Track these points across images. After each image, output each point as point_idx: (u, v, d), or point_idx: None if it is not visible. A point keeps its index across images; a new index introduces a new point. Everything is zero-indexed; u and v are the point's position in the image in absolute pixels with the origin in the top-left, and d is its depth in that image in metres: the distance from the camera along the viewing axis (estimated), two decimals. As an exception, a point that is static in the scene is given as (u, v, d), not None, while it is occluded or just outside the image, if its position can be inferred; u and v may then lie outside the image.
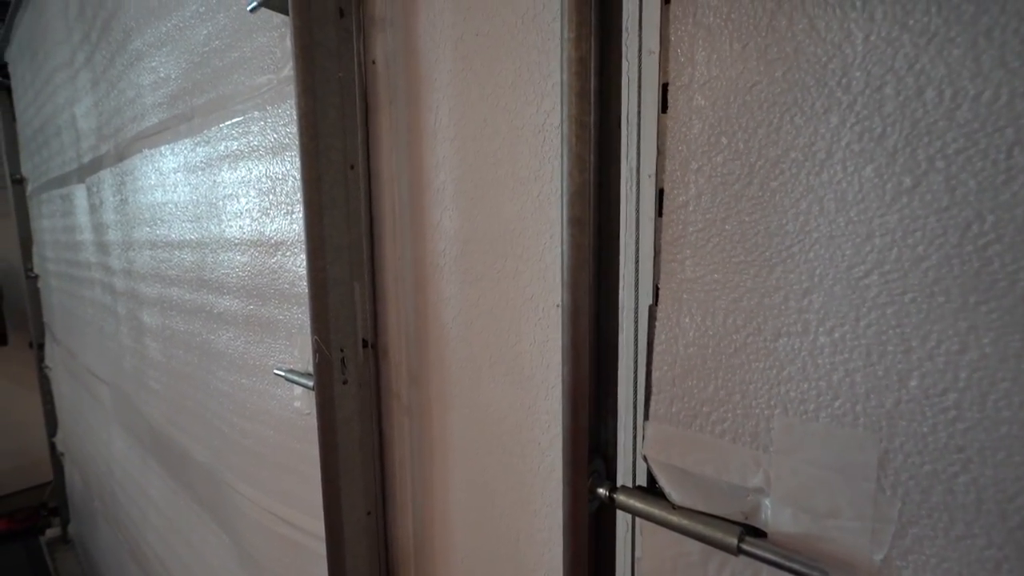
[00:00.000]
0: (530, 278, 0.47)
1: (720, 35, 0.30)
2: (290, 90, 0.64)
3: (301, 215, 0.56)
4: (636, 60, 0.34)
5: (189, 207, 0.87)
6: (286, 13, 0.56)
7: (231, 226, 0.77)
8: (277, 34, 0.67)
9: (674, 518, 0.32)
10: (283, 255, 0.69)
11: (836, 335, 0.27)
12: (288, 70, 0.66)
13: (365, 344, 0.63)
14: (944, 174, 0.24)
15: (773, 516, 0.30)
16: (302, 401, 0.71)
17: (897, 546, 0.26)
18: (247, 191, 0.73)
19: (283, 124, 0.67)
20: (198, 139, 0.82)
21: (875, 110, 0.26)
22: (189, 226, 0.88)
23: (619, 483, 0.37)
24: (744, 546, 0.29)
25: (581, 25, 0.30)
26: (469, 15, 0.49)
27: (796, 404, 0.29)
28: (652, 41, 0.33)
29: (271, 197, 0.70)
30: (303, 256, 0.65)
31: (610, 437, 0.37)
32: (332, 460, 0.59)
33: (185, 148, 0.85)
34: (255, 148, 0.71)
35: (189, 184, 0.86)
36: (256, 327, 0.76)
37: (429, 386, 0.61)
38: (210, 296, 0.85)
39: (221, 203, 0.79)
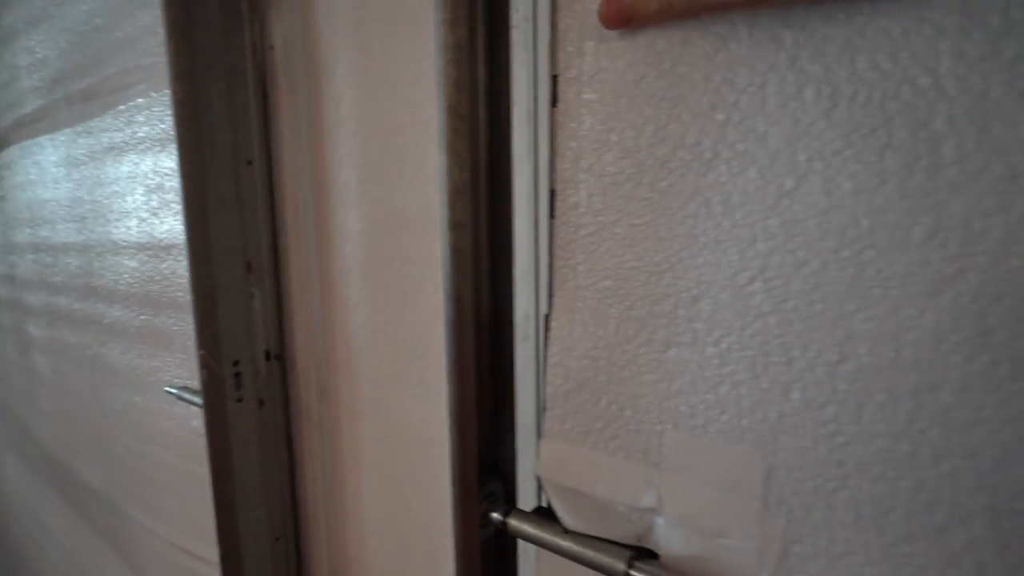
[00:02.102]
0: (435, 285, 0.44)
1: (594, 33, 0.28)
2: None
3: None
4: (531, 49, 0.32)
5: (73, 206, 0.77)
6: None
7: (118, 227, 0.69)
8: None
9: (565, 543, 0.29)
10: (175, 259, 0.63)
11: (723, 345, 0.26)
12: (176, 54, 0.59)
13: (268, 356, 0.58)
14: (822, 176, 0.23)
15: (665, 537, 0.28)
16: (200, 420, 0.65)
17: (782, 566, 0.25)
18: (134, 188, 0.66)
19: (171, 114, 0.60)
20: (80, 129, 0.73)
21: (758, 108, 0.24)
22: (74, 227, 0.78)
23: (519, 505, 0.34)
24: (633, 572, 0.27)
25: (457, 7, 0.27)
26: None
27: (686, 419, 0.27)
28: (544, 29, 0.31)
29: (159, 195, 0.63)
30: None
31: (508, 456, 0.35)
32: (227, 486, 0.53)
33: (66, 139, 0.76)
34: (141, 140, 0.64)
35: (72, 180, 0.76)
36: (149, 339, 0.69)
37: (339, 400, 0.56)
38: (100, 305, 0.76)
39: (107, 201, 0.70)
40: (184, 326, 0.64)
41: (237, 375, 0.53)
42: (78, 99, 0.72)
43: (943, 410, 0.21)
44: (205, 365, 0.51)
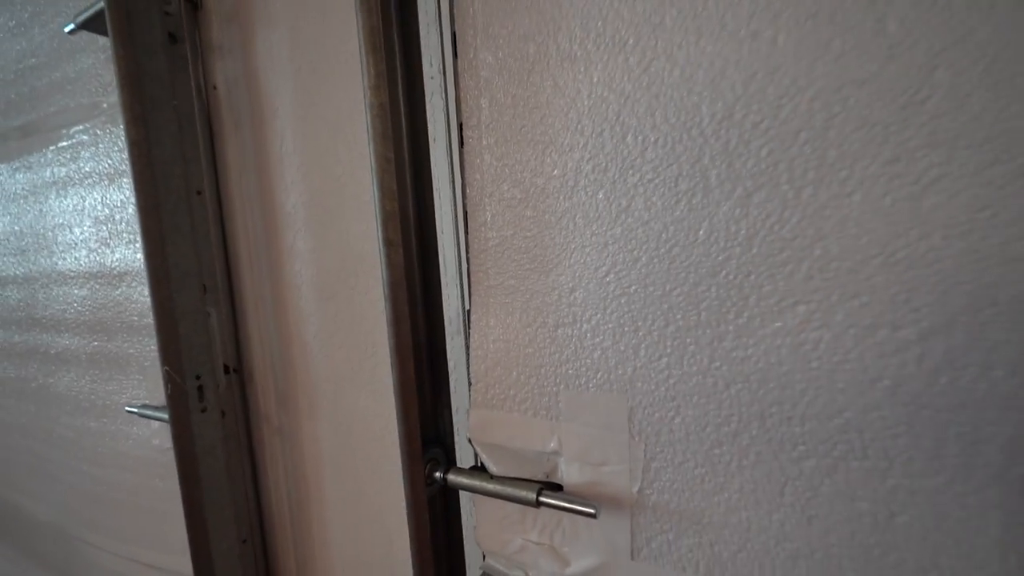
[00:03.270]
0: (378, 294, 0.51)
1: (495, 86, 0.37)
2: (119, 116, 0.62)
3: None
4: (443, 101, 0.40)
5: (11, 239, 0.78)
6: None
7: (65, 258, 0.71)
8: (104, 56, 0.64)
9: (491, 486, 0.38)
10: (128, 286, 0.66)
11: (593, 322, 0.35)
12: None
13: (228, 370, 0.63)
14: (644, 198, 0.33)
15: (565, 471, 0.37)
16: (161, 437, 0.68)
17: (645, 478, 0.35)
18: (81, 220, 0.68)
19: (118, 150, 0.64)
20: (16, 164, 0.74)
21: (599, 149, 0.34)
22: (13, 260, 0.79)
23: (458, 464, 0.42)
24: (542, 499, 0.36)
25: (378, 76, 0.36)
26: (305, 50, 0.52)
27: (573, 379, 0.37)
28: (450, 87, 0.39)
29: (110, 226, 0.66)
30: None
31: (446, 427, 0.43)
32: (195, 492, 0.58)
33: (2, 174, 0.77)
34: (88, 174, 0.67)
35: (9, 214, 0.77)
36: (103, 364, 0.71)
37: (298, 405, 0.62)
38: (45, 336, 0.77)
39: (51, 234, 0.72)
40: (140, 348, 0.67)
41: (200, 388, 0.58)
42: (14, 136, 0.74)
43: (726, 351, 0.31)
44: (169, 380, 0.55)
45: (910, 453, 0.27)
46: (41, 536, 0.89)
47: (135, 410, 0.65)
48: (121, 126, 0.63)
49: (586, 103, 0.34)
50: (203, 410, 0.59)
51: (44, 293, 0.76)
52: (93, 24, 0.58)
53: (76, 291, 0.72)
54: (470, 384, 0.41)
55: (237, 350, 0.64)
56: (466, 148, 0.39)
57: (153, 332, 0.66)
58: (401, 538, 0.54)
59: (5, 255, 0.80)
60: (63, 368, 0.76)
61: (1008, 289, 0.24)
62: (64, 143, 0.68)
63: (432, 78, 0.39)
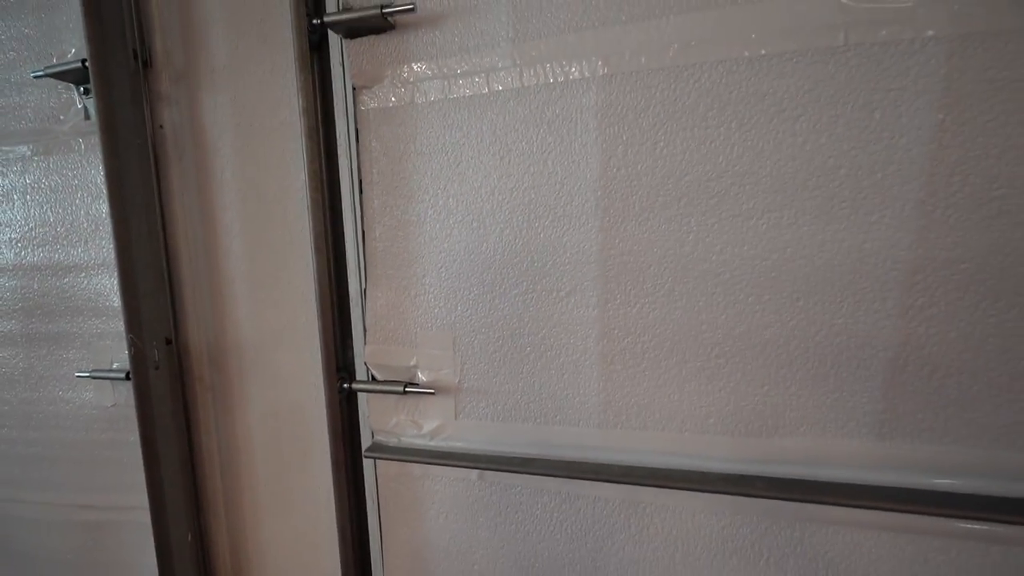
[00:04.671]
0: (298, 284, 0.77)
1: (381, 161, 0.67)
2: (72, 142, 0.80)
3: (91, 243, 0.74)
4: (349, 168, 0.69)
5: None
6: (83, 92, 0.74)
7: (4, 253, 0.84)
8: (57, 92, 0.80)
9: (377, 387, 0.68)
10: (75, 276, 0.83)
11: (434, 293, 0.67)
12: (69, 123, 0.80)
13: (168, 341, 0.83)
14: (458, 232, 0.65)
15: (420, 376, 0.69)
16: (100, 396, 0.85)
17: (461, 375, 0.67)
18: (25, 222, 0.83)
19: (69, 167, 0.80)
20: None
21: (435, 201, 0.66)
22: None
23: (357, 378, 0.71)
24: (407, 390, 0.67)
25: (312, 151, 0.64)
26: (244, 110, 0.76)
27: (423, 324, 0.68)
28: (354, 159, 0.68)
29: (50, 229, 0.82)
30: (100, 277, 0.81)
31: (351, 358, 0.72)
32: (150, 428, 0.78)
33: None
34: (29, 186, 0.82)
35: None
36: (43, 342, 0.85)
37: (228, 367, 0.84)
38: (-32, 322, 0.88)
39: (-14, 232, 0.85)
40: (84, 327, 0.84)
41: (155, 351, 0.78)
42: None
43: (499, 310, 0.65)
44: (133, 345, 0.75)
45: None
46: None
47: (86, 374, 0.82)
48: (69, 150, 0.80)
49: (428, 177, 0.66)
50: (156, 367, 0.79)
51: (-28, 284, 0.86)
52: (65, 75, 0.75)
53: (7, 282, 0.85)
54: (365, 331, 0.70)
55: (175, 326, 0.84)
56: (364, 195, 0.68)
57: (98, 313, 0.83)
58: (314, 456, 0.80)
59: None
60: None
61: (592, 274, 0.61)
62: (10, 157, 0.82)
63: (343, 155, 0.68)
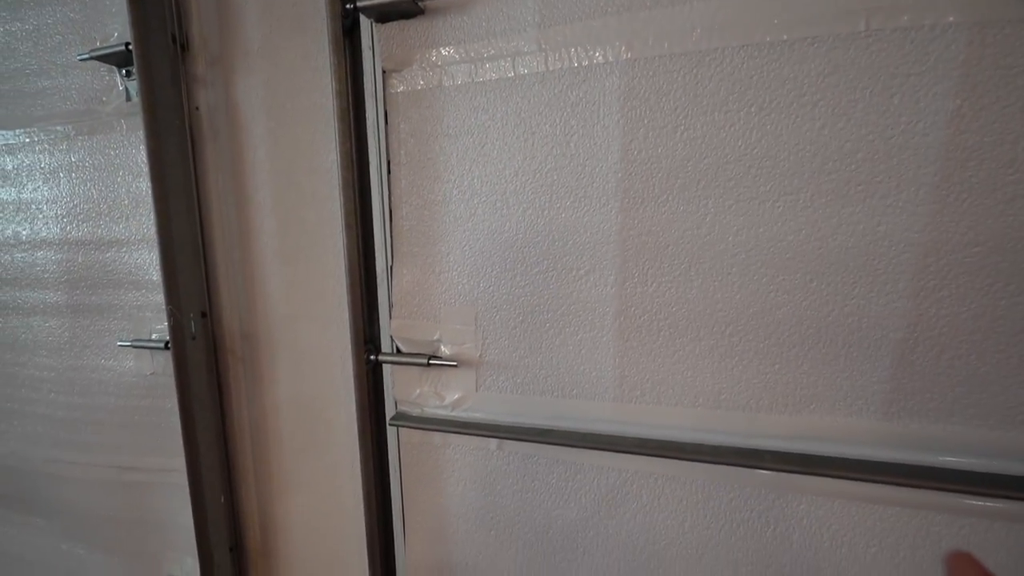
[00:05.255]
0: (328, 259, 0.81)
1: (409, 143, 0.70)
2: (114, 123, 0.84)
3: (132, 219, 0.78)
4: (377, 150, 0.72)
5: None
6: (126, 74, 0.77)
7: (43, 228, 0.89)
8: (101, 74, 0.84)
9: (402, 359, 0.71)
10: (117, 251, 0.87)
11: (458, 270, 0.70)
12: (113, 104, 0.84)
13: (203, 315, 0.87)
14: (482, 211, 0.68)
15: (443, 349, 0.72)
16: (140, 364, 0.90)
17: (483, 349, 0.70)
18: (72, 198, 0.87)
19: (112, 147, 0.85)
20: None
21: (460, 182, 0.68)
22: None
23: (383, 351, 0.75)
24: (431, 362, 0.70)
25: (344, 134, 0.66)
26: (277, 93, 0.79)
27: (447, 299, 0.71)
28: (382, 141, 0.71)
29: (101, 205, 0.86)
30: (140, 252, 0.86)
31: (377, 331, 0.75)
32: (188, 395, 0.83)
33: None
34: (74, 164, 0.86)
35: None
36: (87, 313, 0.91)
37: (258, 340, 0.89)
38: (23, 292, 0.93)
39: (34, 208, 0.90)
40: (125, 300, 0.88)
41: (191, 323, 0.82)
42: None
43: (519, 288, 0.68)
44: (172, 316, 0.79)
45: (585, 322, 0.66)
46: (-5, 469, 1.03)
47: (127, 344, 0.87)
48: (111, 130, 0.84)
49: (454, 158, 0.68)
50: (193, 338, 0.83)
51: (24, 256, 0.92)
52: (104, 56, 0.79)
53: (53, 255, 0.90)
54: (391, 306, 0.73)
55: (210, 300, 0.88)
56: (392, 176, 0.71)
57: (139, 286, 0.88)
58: (344, 409, 0.84)
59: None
60: (42, 319, 0.93)
61: (611, 254, 0.63)
62: (56, 136, 0.87)
63: (372, 136, 0.71)
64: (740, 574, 0.65)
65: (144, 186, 0.83)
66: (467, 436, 0.73)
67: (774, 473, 0.61)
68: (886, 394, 0.57)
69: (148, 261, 0.86)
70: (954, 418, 0.56)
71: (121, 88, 0.84)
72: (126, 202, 0.86)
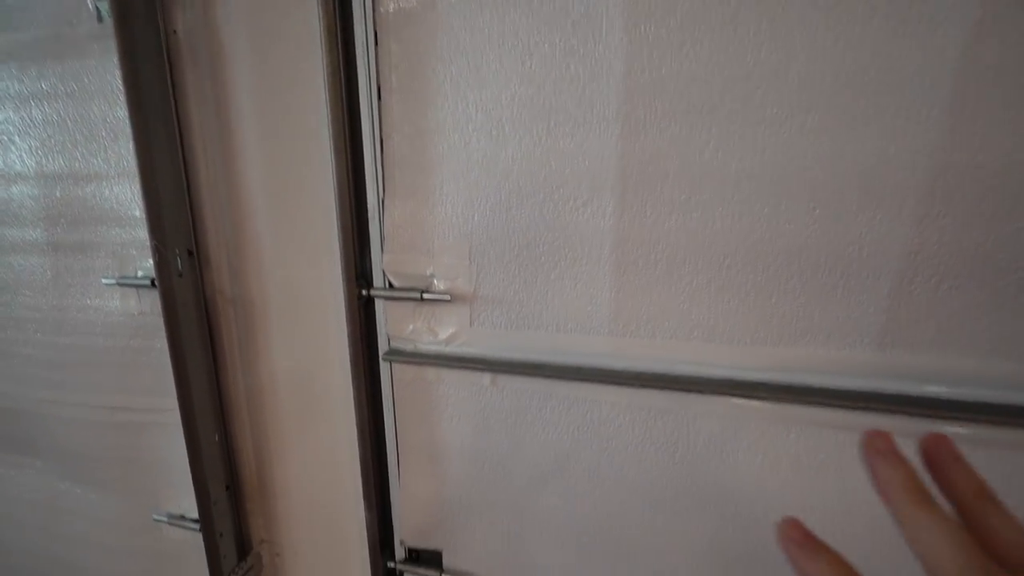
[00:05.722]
0: (318, 193, 0.78)
1: (400, 66, 0.66)
2: (86, 47, 0.79)
3: (111, 151, 0.75)
4: (366, 74, 0.68)
5: (-50, 142, 0.88)
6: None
7: (17, 162, 0.85)
8: (68, -6, 0.78)
9: (394, 293, 0.70)
10: (97, 185, 0.84)
11: (451, 203, 0.68)
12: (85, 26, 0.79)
13: (190, 253, 0.85)
14: (475, 139, 0.65)
15: (436, 284, 0.71)
16: (127, 303, 0.88)
17: (476, 284, 0.69)
18: (39, 130, 0.83)
19: (85, 74, 0.80)
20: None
21: (455, 108, 0.65)
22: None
23: (375, 285, 0.74)
24: (424, 297, 0.69)
25: (331, 55, 0.63)
26: (258, 14, 0.74)
27: (440, 233, 0.69)
28: (372, 65, 0.67)
29: (77, 135, 0.82)
30: (121, 186, 0.83)
31: (369, 266, 0.74)
32: (177, 335, 0.81)
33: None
34: (45, 92, 0.81)
35: (-52, 119, 0.87)
36: (69, 251, 0.88)
37: (248, 279, 0.87)
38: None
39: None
40: (108, 236, 0.86)
41: (177, 259, 0.80)
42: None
43: (512, 220, 0.66)
44: (157, 251, 0.77)
45: (581, 255, 0.65)
46: (-15, 410, 1.02)
47: (112, 281, 0.85)
48: (84, 55, 0.79)
49: (448, 83, 0.65)
50: (180, 275, 0.81)
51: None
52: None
53: (29, 190, 0.86)
54: (383, 240, 0.72)
55: (196, 238, 0.86)
56: (382, 102, 0.68)
57: (121, 222, 0.85)
58: (336, 346, 0.83)
59: (-58, 156, 0.89)
60: (23, 257, 0.90)
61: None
62: (23, 60, 0.82)
63: (362, 59, 0.67)
64: (729, 502, 0.67)
65: (121, 115, 0.79)
66: (461, 371, 0.72)
67: (766, 404, 0.62)
68: (881, 325, 0.57)
69: (130, 196, 0.83)
70: (948, 348, 0.56)
71: (91, 8, 0.78)
72: (103, 133, 0.82)
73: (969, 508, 0.24)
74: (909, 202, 0.52)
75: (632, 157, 0.59)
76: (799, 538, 0.26)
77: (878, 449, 0.25)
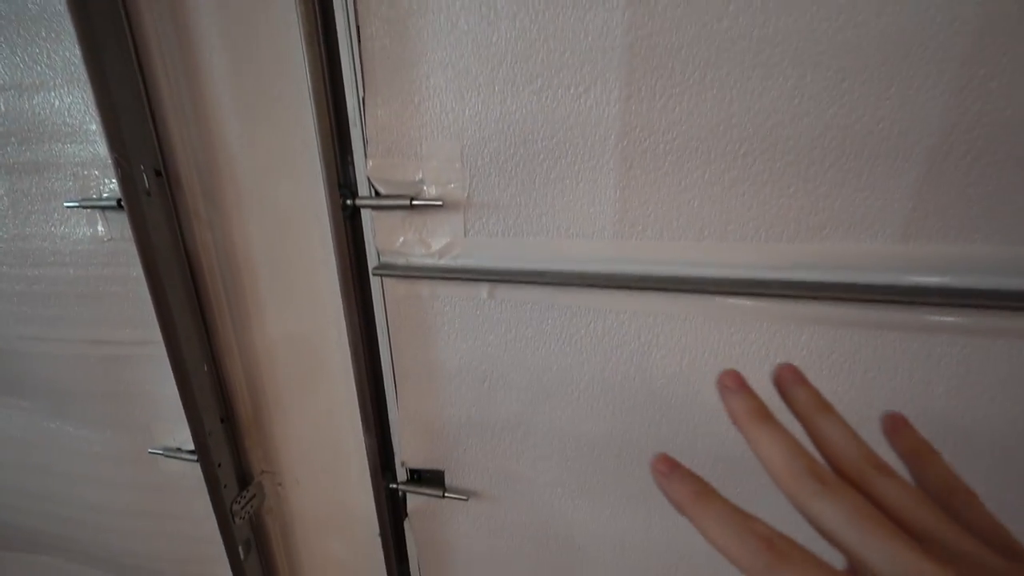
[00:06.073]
0: (291, 98, 0.70)
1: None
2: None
3: (55, 54, 0.67)
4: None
5: None
6: None
7: (-41, 71, 0.76)
8: None
9: (381, 201, 0.65)
10: (45, 95, 0.75)
11: (439, 97, 0.61)
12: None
13: (158, 174, 0.78)
14: (466, 19, 0.58)
15: (427, 191, 0.65)
16: (94, 229, 0.82)
17: (470, 189, 0.64)
18: (-24, 32, 0.74)
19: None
20: None
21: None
22: None
23: (360, 194, 0.68)
24: (414, 203, 0.64)
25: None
26: None
27: (428, 133, 0.63)
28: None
29: (16, 37, 0.73)
30: (72, 96, 0.75)
31: (352, 175, 0.68)
32: (153, 260, 0.76)
33: None
34: (-23, -15, 0.72)
35: None
36: (24, 174, 0.81)
37: (225, 200, 0.80)
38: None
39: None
40: (67, 152, 0.78)
41: (143, 175, 0.74)
42: None
43: (510, 113, 0.60)
44: (119, 165, 0.70)
45: (583, 150, 0.59)
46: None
47: (75, 204, 0.78)
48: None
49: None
50: (148, 193, 0.75)
51: (-66, 108, 0.79)
52: None
53: (-22, 104, 0.78)
54: (365, 144, 0.65)
55: (163, 158, 0.79)
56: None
57: (76, 138, 0.77)
58: (323, 263, 0.78)
59: None
60: (-27, 181, 0.83)
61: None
62: (-60, -51, 0.71)
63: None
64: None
65: (61, 7, 0.70)
66: (456, 284, 0.68)
67: (777, 303, 0.59)
68: (906, 213, 0.53)
69: (83, 106, 0.75)
70: (975, 235, 0.52)
71: None
72: (43, 33, 0.73)
73: (811, 420, 0.27)
74: (951, 66, 0.47)
75: (642, 29, 0.53)
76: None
77: (727, 385, 0.29)
